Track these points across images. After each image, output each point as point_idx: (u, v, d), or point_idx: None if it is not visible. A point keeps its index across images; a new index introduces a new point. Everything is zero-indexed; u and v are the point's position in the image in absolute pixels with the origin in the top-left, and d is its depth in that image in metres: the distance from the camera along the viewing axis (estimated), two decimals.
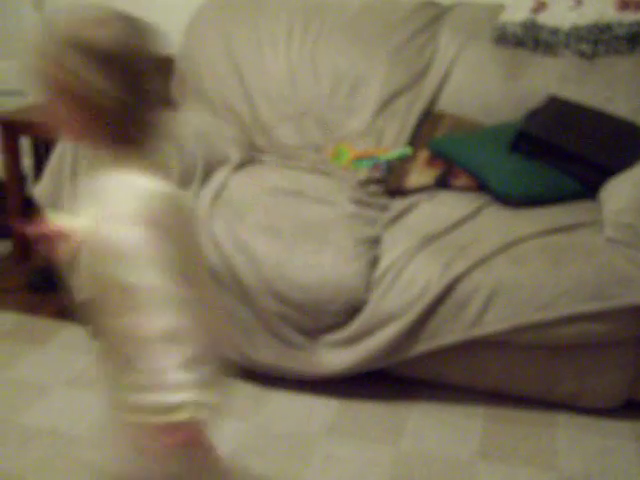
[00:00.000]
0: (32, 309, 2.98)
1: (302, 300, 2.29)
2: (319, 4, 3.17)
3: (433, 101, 3.03)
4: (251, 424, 2.28)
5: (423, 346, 2.28)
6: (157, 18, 3.39)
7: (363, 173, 2.83)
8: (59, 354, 2.66)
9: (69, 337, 2.76)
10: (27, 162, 3.60)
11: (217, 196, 2.57)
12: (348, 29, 3.11)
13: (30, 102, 3.65)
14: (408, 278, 2.28)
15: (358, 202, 2.62)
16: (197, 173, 2.68)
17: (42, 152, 3.62)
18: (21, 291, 3.14)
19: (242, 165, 2.91)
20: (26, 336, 2.77)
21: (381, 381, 2.43)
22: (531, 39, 2.93)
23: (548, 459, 2.15)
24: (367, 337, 2.29)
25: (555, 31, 2.90)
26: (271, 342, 2.36)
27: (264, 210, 2.50)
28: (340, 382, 2.38)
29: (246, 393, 2.41)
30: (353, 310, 2.31)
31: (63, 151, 2.61)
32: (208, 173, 2.72)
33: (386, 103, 3.03)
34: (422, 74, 3.05)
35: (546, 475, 2.08)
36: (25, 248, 3.42)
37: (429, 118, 3.00)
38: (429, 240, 2.36)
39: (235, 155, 2.90)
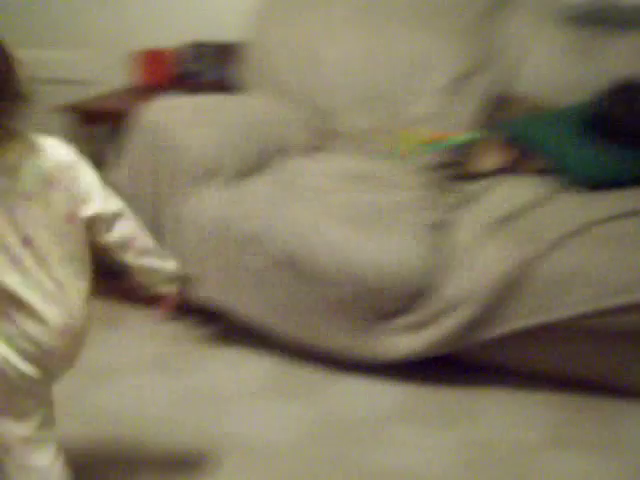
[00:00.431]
0: (102, 294, 3.01)
1: (370, 284, 2.27)
2: None
3: (504, 84, 2.97)
4: (318, 409, 2.27)
5: (495, 331, 2.23)
6: (227, 4, 3.48)
7: (433, 157, 2.79)
8: (129, 338, 2.70)
9: (140, 321, 2.78)
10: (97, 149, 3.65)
11: (291, 182, 2.57)
12: (419, 10, 3.07)
13: (100, 92, 3.72)
14: (480, 261, 2.24)
15: (427, 186, 2.59)
16: (269, 158, 2.69)
17: (112, 140, 3.67)
18: (94, 278, 3.18)
19: (314, 150, 2.89)
20: (97, 320, 2.80)
21: (449, 366, 2.39)
22: (606, 18, 2.84)
23: (616, 447, 2.09)
24: (435, 321, 2.26)
25: (632, 9, 2.81)
26: (339, 326, 2.35)
27: (334, 194, 2.49)
28: (408, 367, 2.36)
29: (313, 377, 2.41)
30: (421, 294, 2.28)
31: (137, 140, 2.64)
32: (280, 158, 2.72)
33: (456, 86, 2.97)
34: (493, 56, 2.99)
35: (614, 463, 2.02)
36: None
37: (501, 101, 2.94)
38: (502, 223, 2.32)
39: (303, 140, 2.89)
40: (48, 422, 1.67)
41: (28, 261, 1.51)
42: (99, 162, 3.55)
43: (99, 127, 3.64)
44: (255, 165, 2.65)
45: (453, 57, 2.99)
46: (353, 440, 2.13)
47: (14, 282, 1.50)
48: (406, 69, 3.00)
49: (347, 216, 2.39)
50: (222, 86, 3.38)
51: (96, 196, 1.67)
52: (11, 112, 1.52)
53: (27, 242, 1.52)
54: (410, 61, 3.01)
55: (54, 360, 1.63)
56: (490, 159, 2.70)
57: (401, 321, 2.30)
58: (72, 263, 1.61)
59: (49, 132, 3.58)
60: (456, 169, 2.74)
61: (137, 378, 2.45)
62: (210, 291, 2.50)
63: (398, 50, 3.03)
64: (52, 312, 1.55)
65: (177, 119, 2.59)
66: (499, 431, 2.16)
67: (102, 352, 2.59)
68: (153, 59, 3.54)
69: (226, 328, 2.68)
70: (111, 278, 3.12)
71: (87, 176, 1.70)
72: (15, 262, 1.50)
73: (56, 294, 1.56)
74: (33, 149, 1.59)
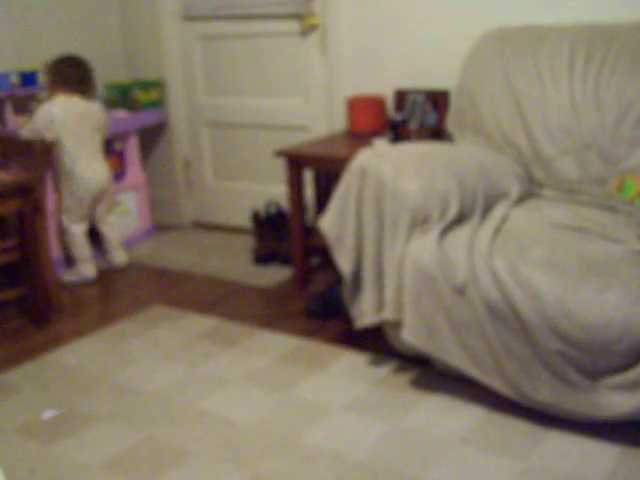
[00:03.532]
0: (312, 334, 3.14)
1: (585, 339, 2.22)
2: (604, 31, 3.06)
3: None
4: (527, 464, 2.23)
5: None
6: (435, 53, 3.55)
7: None
8: (338, 378, 2.77)
9: (348, 362, 2.87)
10: (308, 193, 3.80)
11: (498, 230, 2.58)
12: (628, 57, 2.97)
13: (313, 137, 3.89)
14: None
15: None
16: (478, 207, 2.71)
17: (323, 184, 3.82)
18: (301, 316, 3.32)
19: (522, 199, 2.89)
20: (307, 359, 2.92)
21: None
22: None
23: None
24: None
25: None
26: (550, 381, 2.31)
27: (546, 245, 2.46)
28: (623, 427, 2.28)
29: (521, 431, 2.38)
30: (637, 352, 2.19)
31: (347, 186, 2.74)
32: (488, 207, 2.74)
33: None
34: None
35: None
36: (305, 275, 3.62)
37: None
38: None
39: (515, 189, 2.89)
40: None
41: None
42: (308, 205, 3.74)
43: (312, 171, 3.81)
44: (467, 213, 2.69)
45: None
46: None
47: None
48: (615, 117, 2.92)
49: (556, 268, 2.35)
50: (432, 133, 3.44)
51: None
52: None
53: None
54: (619, 109, 2.92)
55: None
56: None
57: (618, 379, 2.22)
58: None
59: (271, 172, 3.79)
60: None
61: (347, 419, 2.51)
62: (417, 336, 2.54)
63: (610, 98, 2.95)
64: None
65: (390, 166, 2.66)
66: None
67: (313, 392, 2.69)
68: (365, 106, 3.66)
69: (433, 373, 2.71)
70: (324, 319, 3.25)
71: None
72: None
73: None
74: None
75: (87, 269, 3.91)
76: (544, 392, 2.33)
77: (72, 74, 3.80)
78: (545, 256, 2.40)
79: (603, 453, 2.25)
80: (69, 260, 3.96)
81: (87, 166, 3.80)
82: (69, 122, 3.74)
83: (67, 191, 3.83)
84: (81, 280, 3.88)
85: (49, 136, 3.67)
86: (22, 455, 2.41)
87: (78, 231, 3.89)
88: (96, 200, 3.91)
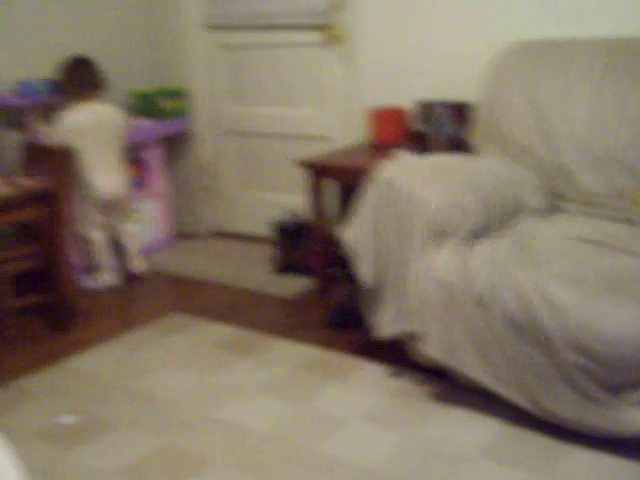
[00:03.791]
0: (331, 344, 3.13)
1: (607, 354, 2.19)
2: (628, 45, 3.04)
3: None
4: (545, 479, 2.21)
5: None
6: (457, 65, 3.55)
7: None
8: (357, 389, 2.76)
9: (367, 374, 2.86)
10: (329, 203, 3.80)
11: (519, 244, 2.56)
12: None
13: (334, 147, 3.89)
14: None
15: None
16: (499, 219, 2.70)
17: (344, 195, 3.81)
18: (321, 326, 3.31)
19: (543, 212, 2.87)
20: (326, 370, 2.91)
21: None
22: None
23: None
24: None
25: None
26: (571, 395, 2.28)
27: (567, 259, 2.44)
28: None
29: (541, 445, 2.35)
30: None
31: (370, 197, 2.73)
32: (509, 220, 2.73)
33: None
34: None
35: None
36: (326, 285, 3.62)
37: None
38: None
39: (536, 202, 2.88)
40: None
41: None
42: (328, 215, 3.74)
43: (333, 182, 3.80)
44: (488, 226, 2.67)
45: None
46: None
47: None
48: (638, 131, 2.90)
49: (577, 281, 2.33)
50: (454, 145, 3.43)
51: None
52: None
53: None
54: None
55: None
56: None
57: (637, 395, 2.20)
58: None
59: (292, 181, 3.79)
60: None
61: (364, 430, 2.50)
62: (436, 349, 2.53)
63: (630, 112, 2.93)
64: None
65: (413, 178, 2.65)
66: None
67: (331, 402, 2.68)
68: (387, 117, 3.66)
69: (452, 386, 2.69)
70: (343, 330, 3.24)
71: None
72: None
73: None
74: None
75: (107, 276, 3.93)
76: (564, 406, 2.31)
77: (81, 73, 3.84)
78: (566, 269, 2.39)
79: (625, 471, 2.22)
80: (90, 267, 3.98)
81: (100, 175, 3.82)
82: (85, 130, 3.76)
83: (83, 199, 3.85)
84: (101, 287, 3.90)
85: (65, 143, 3.68)
86: (40, 460, 2.42)
87: (98, 238, 3.91)
88: (110, 208, 3.93)
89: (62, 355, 3.15)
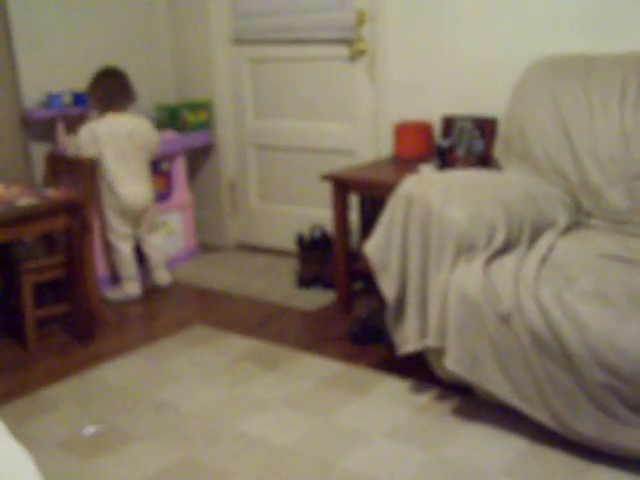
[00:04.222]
0: (354, 358, 3.12)
1: (632, 372, 2.17)
2: None
3: None
4: None
5: None
6: (482, 80, 3.54)
7: None
8: (379, 404, 2.75)
9: (389, 388, 2.85)
10: (353, 217, 3.80)
11: (544, 260, 2.55)
12: None
13: (359, 162, 3.89)
14: None
15: None
16: (524, 235, 2.68)
17: (368, 209, 3.82)
18: (343, 340, 3.31)
19: (569, 229, 2.86)
20: (348, 384, 2.90)
21: None
22: None
23: None
24: None
25: None
26: (595, 414, 2.26)
27: (594, 276, 2.42)
28: None
29: (564, 464, 2.33)
30: None
31: (393, 211, 2.73)
32: (535, 236, 2.71)
33: None
34: None
35: None
36: (348, 299, 3.61)
37: None
38: None
39: (563, 218, 2.86)
40: None
41: None
42: (352, 229, 3.74)
43: (357, 195, 3.81)
44: (514, 242, 2.66)
45: None
46: None
47: None
48: None
49: (603, 298, 2.31)
50: (478, 160, 3.43)
51: None
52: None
53: None
54: None
55: None
56: None
57: None
58: None
59: (316, 195, 3.77)
60: None
61: (386, 445, 2.49)
62: (460, 364, 2.51)
63: None
64: None
65: (438, 193, 2.65)
66: None
67: (353, 417, 2.67)
68: (412, 131, 3.66)
69: (475, 402, 2.68)
70: (366, 344, 3.24)
71: None
72: None
73: None
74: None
75: (131, 287, 3.95)
76: (589, 425, 2.29)
77: (110, 84, 3.85)
78: (592, 287, 2.37)
79: None
80: (114, 278, 4.00)
81: (126, 186, 3.84)
82: (114, 141, 3.78)
83: (109, 209, 3.87)
84: (125, 298, 3.92)
85: (90, 152, 3.71)
86: (63, 470, 2.43)
87: (125, 249, 3.93)
88: (136, 220, 3.95)
89: (86, 365, 3.17)
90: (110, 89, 3.85)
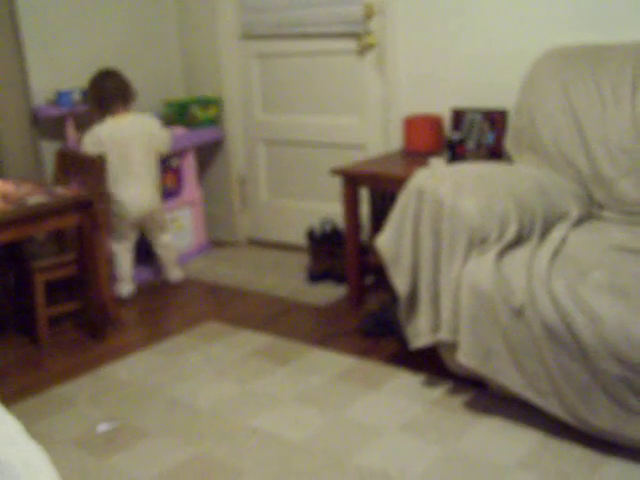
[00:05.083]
0: (366, 353, 3.11)
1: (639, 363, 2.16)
2: None
3: None
4: None
5: None
6: (492, 72, 3.53)
7: None
8: (392, 398, 2.74)
9: (401, 383, 2.85)
10: (364, 211, 3.79)
11: (557, 252, 2.53)
12: None
13: (369, 155, 3.88)
14: None
15: None
16: (536, 228, 2.67)
17: (378, 203, 3.81)
18: (355, 335, 3.30)
19: (581, 220, 2.84)
20: (360, 378, 2.90)
21: None
22: None
23: None
24: None
25: None
26: (610, 407, 2.25)
27: (607, 268, 2.41)
28: None
29: (578, 457, 2.32)
30: None
31: (404, 205, 2.72)
32: (547, 228, 2.70)
33: None
34: None
35: None
36: (359, 293, 3.61)
37: None
38: None
39: (575, 210, 2.84)
40: None
41: None
42: (363, 223, 3.73)
43: (368, 189, 3.80)
44: (527, 235, 2.65)
45: None
46: None
47: None
48: None
49: (616, 290, 2.30)
50: (489, 153, 3.41)
51: None
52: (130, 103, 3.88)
53: None
54: None
55: None
56: None
57: None
58: None
59: (326, 189, 3.78)
60: None
61: (400, 440, 2.49)
62: (472, 358, 2.51)
63: None
64: None
65: (450, 186, 2.64)
66: None
67: (366, 412, 2.67)
68: (422, 125, 3.64)
69: (489, 396, 2.67)
70: (379, 338, 3.23)
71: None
72: None
73: None
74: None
75: (122, 288, 3.92)
76: (603, 418, 2.28)
77: (103, 86, 3.80)
78: (605, 279, 2.35)
79: None
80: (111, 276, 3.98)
81: (127, 191, 3.81)
82: (116, 145, 3.75)
83: (110, 211, 3.84)
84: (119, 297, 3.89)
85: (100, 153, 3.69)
86: (77, 467, 2.44)
87: (120, 250, 3.91)
88: (141, 223, 3.94)
89: (99, 362, 3.18)
90: (103, 92, 3.81)
